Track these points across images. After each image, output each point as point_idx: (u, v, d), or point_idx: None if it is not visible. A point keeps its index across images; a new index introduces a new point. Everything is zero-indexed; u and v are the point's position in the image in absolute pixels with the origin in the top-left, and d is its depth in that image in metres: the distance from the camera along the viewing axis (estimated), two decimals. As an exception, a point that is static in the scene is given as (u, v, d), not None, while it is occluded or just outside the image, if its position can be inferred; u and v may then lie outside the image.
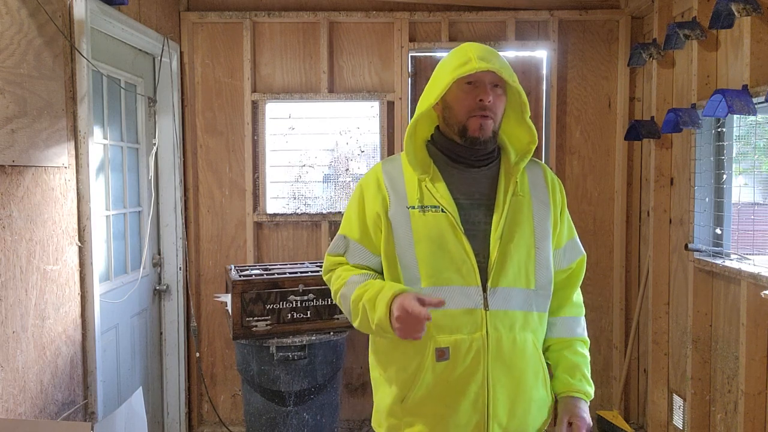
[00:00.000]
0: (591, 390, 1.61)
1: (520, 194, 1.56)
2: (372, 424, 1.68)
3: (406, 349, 1.55)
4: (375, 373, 1.66)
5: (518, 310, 1.52)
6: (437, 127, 1.64)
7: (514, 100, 1.57)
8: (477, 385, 1.49)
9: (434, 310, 1.45)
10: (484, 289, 1.50)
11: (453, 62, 1.52)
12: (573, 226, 1.71)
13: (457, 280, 1.50)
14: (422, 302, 1.37)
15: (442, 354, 1.50)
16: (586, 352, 1.66)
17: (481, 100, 1.50)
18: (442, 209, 1.52)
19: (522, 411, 1.53)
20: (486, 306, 1.49)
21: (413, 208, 1.55)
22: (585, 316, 1.72)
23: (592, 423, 1.57)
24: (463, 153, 1.57)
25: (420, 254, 1.51)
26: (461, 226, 1.51)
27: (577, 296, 1.71)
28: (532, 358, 1.54)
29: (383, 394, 1.62)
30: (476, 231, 1.53)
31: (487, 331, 1.49)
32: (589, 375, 1.63)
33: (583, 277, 1.71)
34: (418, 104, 1.59)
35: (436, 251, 1.50)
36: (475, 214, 1.55)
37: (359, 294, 1.53)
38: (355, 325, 1.57)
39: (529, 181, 1.61)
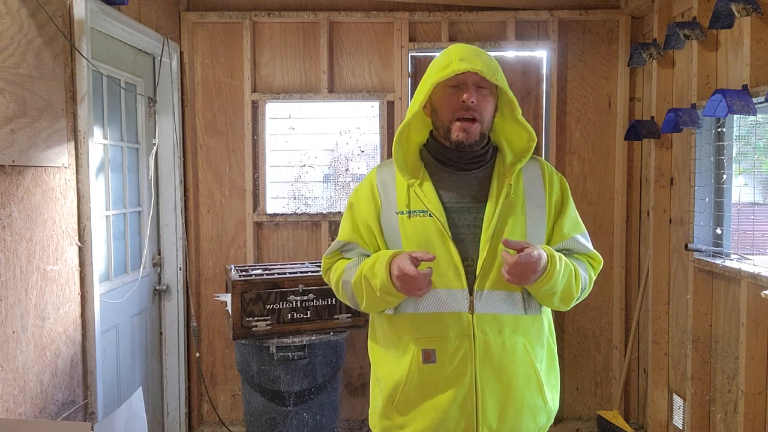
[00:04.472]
0: (559, 263, 1.47)
1: (513, 197, 1.54)
2: (369, 425, 1.69)
3: (395, 349, 1.56)
4: (372, 374, 1.67)
5: (508, 313, 1.51)
6: (431, 132, 1.64)
7: (507, 99, 1.56)
8: (464, 388, 1.49)
9: (421, 314, 1.51)
10: (471, 293, 1.49)
11: (436, 66, 1.52)
12: (580, 222, 1.65)
13: (444, 284, 1.50)
14: (415, 260, 1.42)
15: (428, 356, 1.50)
16: (584, 264, 1.61)
17: (463, 102, 1.49)
18: (429, 214, 1.52)
19: (513, 416, 1.52)
20: (471, 309, 1.49)
21: (401, 213, 1.55)
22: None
23: (536, 260, 1.41)
24: (452, 156, 1.57)
25: None
26: (448, 231, 1.50)
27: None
28: (523, 362, 1.52)
29: (375, 395, 1.63)
30: (465, 234, 1.52)
31: (474, 335, 1.49)
32: (573, 266, 1.53)
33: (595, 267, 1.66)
34: (407, 111, 1.59)
35: None
36: (465, 217, 1.54)
37: (359, 271, 1.55)
38: (363, 306, 1.58)
39: (524, 182, 1.58)
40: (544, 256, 1.44)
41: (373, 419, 1.65)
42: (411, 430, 1.54)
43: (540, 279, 1.44)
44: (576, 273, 1.54)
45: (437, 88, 1.52)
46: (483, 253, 1.49)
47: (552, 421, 1.64)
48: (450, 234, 1.50)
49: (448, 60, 1.49)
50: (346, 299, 1.65)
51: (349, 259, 1.67)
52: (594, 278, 1.63)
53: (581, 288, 1.56)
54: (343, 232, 1.68)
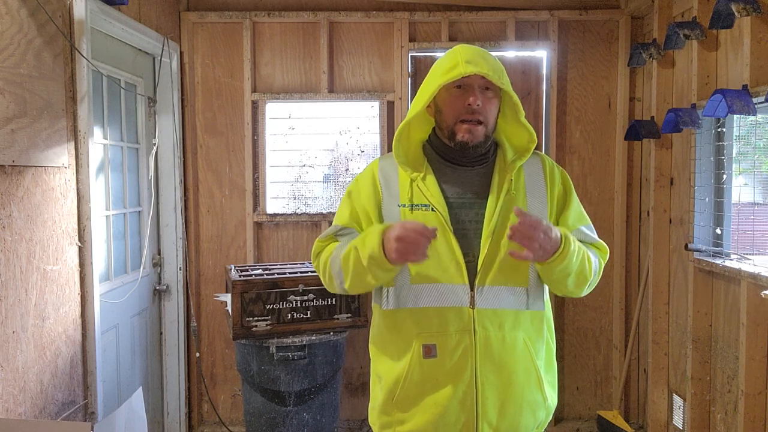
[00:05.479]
0: (573, 243, 1.47)
1: (514, 192, 1.55)
2: (369, 422, 1.69)
3: (395, 343, 1.56)
4: (371, 368, 1.67)
5: (509, 308, 1.51)
6: (433, 129, 1.64)
7: (510, 100, 1.57)
8: (465, 383, 1.49)
9: (421, 309, 1.50)
10: (472, 288, 1.50)
11: (441, 67, 1.52)
12: (585, 215, 1.66)
13: (445, 278, 1.50)
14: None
15: (429, 351, 1.50)
16: (593, 250, 1.60)
17: (468, 105, 1.50)
18: (432, 208, 1.52)
19: (513, 411, 1.52)
20: (472, 304, 1.49)
21: (404, 206, 1.55)
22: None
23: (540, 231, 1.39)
24: (455, 155, 1.58)
25: None
26: (450, 225, 1.51)
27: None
28: (523, 358, 1.53)
29: (376, 391, 1.63)
30: (467, 229, 1.53)
31: (474, 330, 1.49)
32: (586, 248, 1.54)
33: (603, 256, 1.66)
34: (409, 109, 1.60)
35: None
36: (467, 212, 1.55)
37: (350, 245, 1.52)
38: (347, 285, 1.54)
39: (526, 177, 1.59)
40: (556, 229, 1.42)
41: (373, 415, 1.65)
42: (411, 425, 1.54)
43: (555, 256, 1.42)
44: (588, 256, 1.54)
45: (442, 89, 1.52)
46: (484, 249, 1.50)
47: (551, 417, 1.64)
48: (452, 228, 1.51)
49: (454, 62, 1.49)
50: (332, 280, 1.60)
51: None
52: (603, 266, 1.63)
53: (593, 272, 1.55)
54: (341, 218, 1.65)
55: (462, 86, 1.51)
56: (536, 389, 1.55)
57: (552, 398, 1.61)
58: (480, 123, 1.52)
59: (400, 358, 1.54)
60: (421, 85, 1.59)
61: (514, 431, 1.53)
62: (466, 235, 1.53)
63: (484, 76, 1.47)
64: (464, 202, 1.56)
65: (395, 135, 1.58)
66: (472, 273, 1.51)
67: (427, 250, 1.38)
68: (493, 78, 1.47)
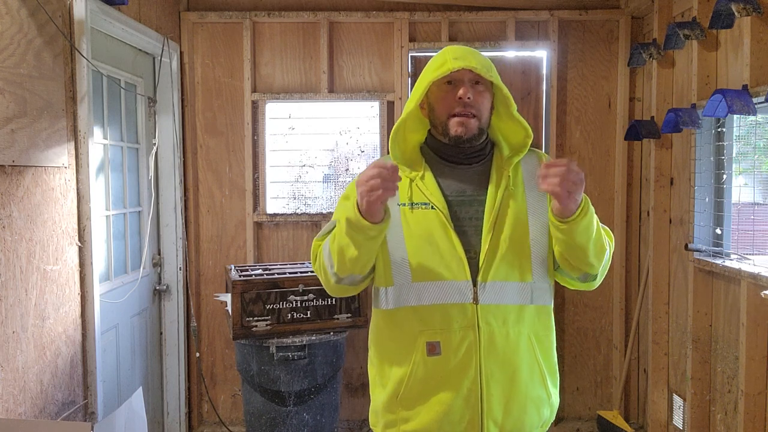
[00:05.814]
0: (590, 208, 1.43)
1: (512, 188, 1.55)
2: (370, 425, 1.68)
3: (398, 342, 1.56)
4: (371, 371, 1.66)
5: (512, 304, 1.51)
6: (429, 131, 1.65)
7: (502, 97, 1.57)
8: (469, 380, 1.49)
9: (424, 306, 1.49)
10: (474, 284, 1.50)
11: (431, 66, 1.54)
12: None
13: (447, 275, 1.50)
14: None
15: (433, 348, 1.50)
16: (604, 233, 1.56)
17: (459, 98, 1.50)
18: (432, 206, 1.53)
19: (518, 408, 1.52)
20: (476, 300, 1.49)
21: (403, 205, 1.56)
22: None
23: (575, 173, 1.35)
24: (452, 152, 1.58)
25: (410, 250, 1.52)
26: (450, 222, 1.51)
27: None
28: (527, 354, 1.52)
29: (378, 391, 1.63)
30: (467, 227, 1.54)
31: (478, 326, 1.49)
32: (598, 222, 1.50)
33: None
34: (403, 110, 1.60)
35: (426, 247, 1.51)
36: (466, 210, 1.55)
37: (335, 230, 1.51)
38: (336, 267, 1.52)
39: (523, 173, 1.60)
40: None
41: (375, 416, 1.64)
42: (415, 424, 1.54)
43: (579, 211, 1.39)
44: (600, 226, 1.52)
45: (433, 87, 1.54)
46: (485, 244, 1.51)
47: (554, 415, 1.64)
48: (452, 225, 1.51)
49: (443, 60, 1.52)
50: (327, 274, 1.57)
51: None
52: (612, 249, 1.60)
53: (606, 246, 1.53)
54: (339, 215, 1.60)
55: (452, 82, 1.53)
56: (540, 385, 1.55)
57: (555, 396, 1.61)
58: (473, 116, 1.52)
59: (404, 356, 1.54)
60: (414, 85, 1.60)
61: (519, 429, 1.53)
62: (467, 232, 1.53)
63: (472, 70, 1.48)
64: (463, 199, 1.56)
65: (391, 135, 1.58)
66: (474, 269, 1.51)
67: (388, 181, 1.34)
68: (481, 71, 1.49)
